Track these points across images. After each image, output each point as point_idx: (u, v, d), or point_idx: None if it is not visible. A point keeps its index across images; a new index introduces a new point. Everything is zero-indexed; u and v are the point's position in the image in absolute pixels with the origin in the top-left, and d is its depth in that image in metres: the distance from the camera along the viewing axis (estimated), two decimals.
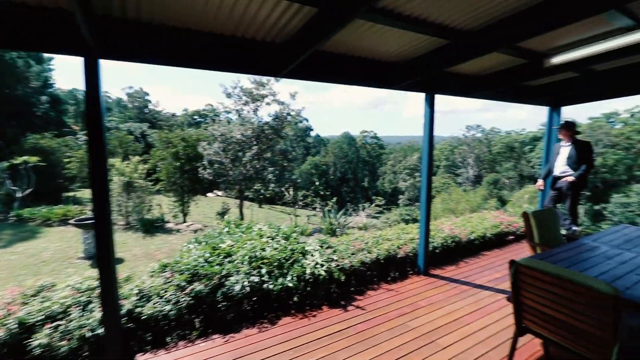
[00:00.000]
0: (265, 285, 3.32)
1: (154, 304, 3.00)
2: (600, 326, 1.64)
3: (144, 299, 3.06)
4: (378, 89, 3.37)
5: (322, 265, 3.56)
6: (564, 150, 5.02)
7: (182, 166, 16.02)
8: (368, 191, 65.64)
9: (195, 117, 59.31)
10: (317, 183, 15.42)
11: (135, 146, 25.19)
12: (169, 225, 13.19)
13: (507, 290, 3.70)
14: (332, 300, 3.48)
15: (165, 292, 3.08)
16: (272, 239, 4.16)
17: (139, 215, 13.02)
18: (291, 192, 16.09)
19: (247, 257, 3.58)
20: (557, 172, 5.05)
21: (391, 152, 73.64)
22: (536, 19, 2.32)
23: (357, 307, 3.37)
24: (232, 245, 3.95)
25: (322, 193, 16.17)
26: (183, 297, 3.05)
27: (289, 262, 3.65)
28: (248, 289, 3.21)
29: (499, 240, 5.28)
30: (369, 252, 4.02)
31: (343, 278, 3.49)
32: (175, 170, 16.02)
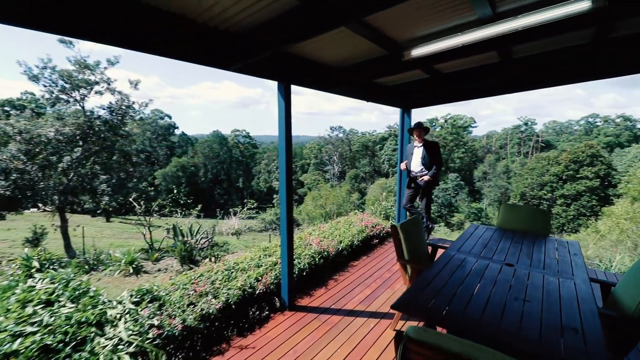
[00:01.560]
0: None
1: None
2: None
3: None
4: (210, 67, 2.24)
5: (129, 344, 2.23)
6: (417, 151, 5.15)
7: None
8: (243, 191, 63.70)
9: (7, 108, 43.86)
10: (175, 190, 12.94)
11: None
12: None
13: (380, 312, 3.27)
14: None
15: None
16: (48, 306, 2.52)
17: None
18: (142, 204, 13.13)
19: None
20: (414, 171, 5.14)
21: (265, 151, 73.36)
22: None
23: None
24: None
25: (182, 201, 13.80)
26: None
27: (70, 347, 2.17)
28: None
29: (366, 245, 5.05)
30: (216, 297, 2.91)
31: (164, 358, 2.26)
32: None
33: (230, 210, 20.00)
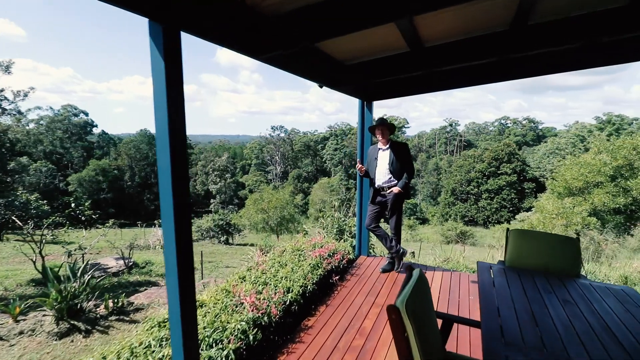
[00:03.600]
0: None
1: None
2: None
3: None
4: None
5: None
6: (383, 155, 3.93)
7: None
8: None
9: None
10: (73, 205, 10.14)
11: None
12: None
13: None
14: None
15: None
16: None
17: None
18: (30, 222, 10.04)
19: None
20: (380, 182, 3.91)
21: (201, 151, 68.28)
22: None
23: None
24: None
25: (84, 217, 10.94)
26: None
27: None
28: None
29: (323, 288, 3.65)
30: None
31: None
32: None
33: (156, 222, 17.07)
